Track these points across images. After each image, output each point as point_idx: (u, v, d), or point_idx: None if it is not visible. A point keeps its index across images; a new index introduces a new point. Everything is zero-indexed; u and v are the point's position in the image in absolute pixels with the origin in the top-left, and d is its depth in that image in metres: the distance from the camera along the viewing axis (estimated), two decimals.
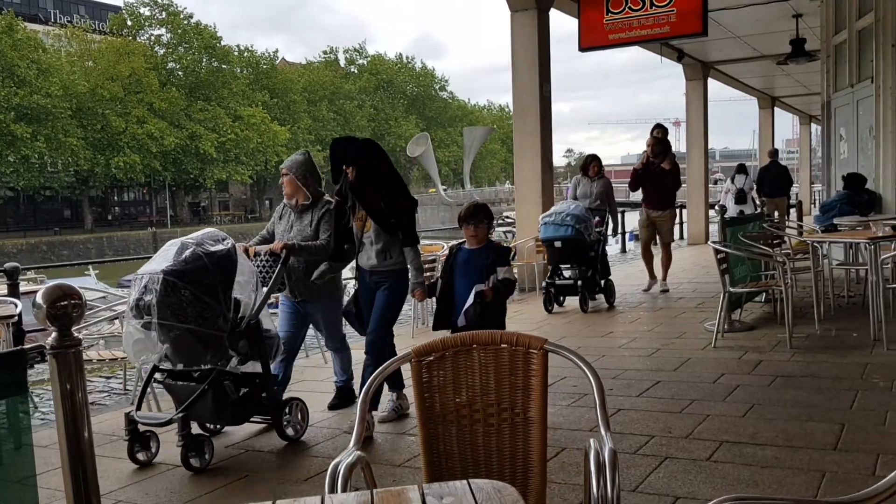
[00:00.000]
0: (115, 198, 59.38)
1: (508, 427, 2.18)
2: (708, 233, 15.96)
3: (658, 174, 8.68)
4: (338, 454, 1.77)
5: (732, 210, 13.45)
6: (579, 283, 7.89)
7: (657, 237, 9.13)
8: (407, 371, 2.19)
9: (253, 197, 65.91)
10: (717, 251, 5.94)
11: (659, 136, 8.91)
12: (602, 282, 8.32)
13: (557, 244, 7.73)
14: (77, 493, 1.78)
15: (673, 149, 9.10)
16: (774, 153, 14.81)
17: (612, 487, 1.65)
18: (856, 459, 3.41)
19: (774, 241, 7.10)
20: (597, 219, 8.14)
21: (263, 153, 55.17)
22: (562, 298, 8.32)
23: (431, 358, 2.22)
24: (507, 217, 32.67)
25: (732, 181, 14.19)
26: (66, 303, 1.80)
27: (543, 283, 8.35)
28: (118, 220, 57.11)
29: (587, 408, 4.50)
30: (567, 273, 8.10)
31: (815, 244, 6.73)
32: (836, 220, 8.11)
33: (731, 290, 6.12)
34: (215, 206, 64.30)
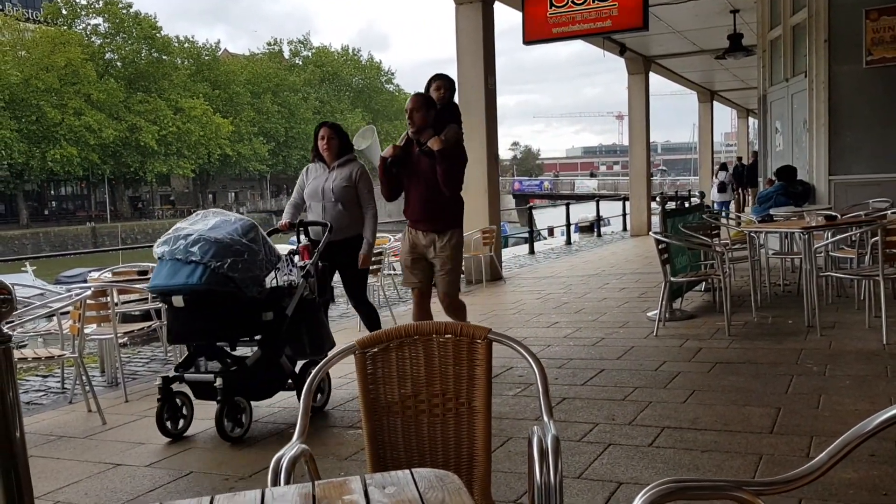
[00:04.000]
0: (52, 192, 57.59)
1: (453, 417, 2.19)
2: (650, 224, 16.28)
3: (426, 163, 4.77)
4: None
5: (717, 198, 18.77)
6: (219, 382, 4.01)
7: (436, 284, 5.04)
8: (351, 364, 2.17)
9: (195, 191, 64.64)
10: (658, 241, 6.06)
11: (421, 100, 4.85)
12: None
13: (177, 301, 4.02)
14: (9, 496, 1.72)
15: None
16: (755, 154, 17.58)
17: (555, 474, 1.67)
18: (791, 442, 3.52)
19: (713, 232, 7.28)
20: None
21: (206, 146, 54.16)
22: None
23: (375, 350, 2.21)
24: None
25: (716, 176, 19.18)
26: None
27: (158, 381, 4.21)
28: (55, 214, 55.43)
29: (533, 397, 4.55)
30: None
31: (751, 234, 6.92)
32: (772, 211, 8.36)
33: (672, 279, 6.25)
34: (157, 201, 62.89)
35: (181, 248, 4.05)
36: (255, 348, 4.37)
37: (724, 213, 14.78)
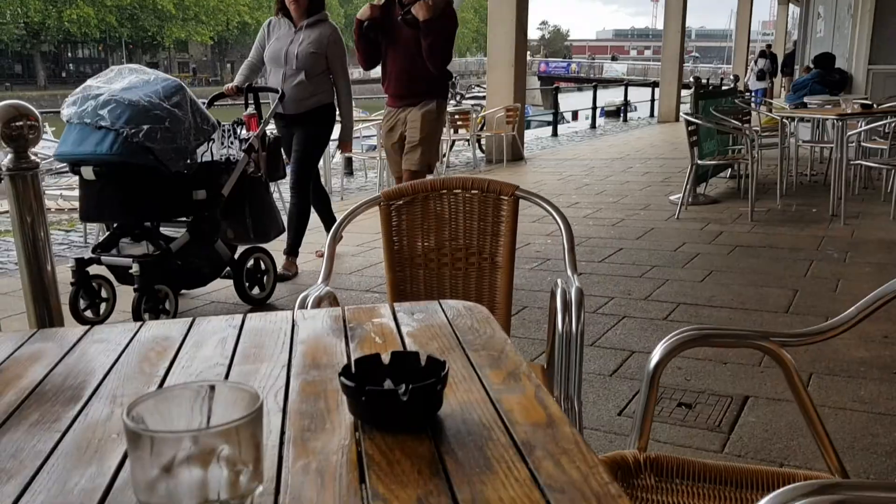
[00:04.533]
0: (69, 54, 56.78)
1: (475, 271, 2.19)
2: (678, 112, 15.87)
3: (408, 33, 4.21)
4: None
5: (754, 86, 18.78)
6: (136, 268, 3.51)
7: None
8: (375, 214, 2.16)
9: (214, 59, 63.48)
10: (688, 122, 5.90)
11: None
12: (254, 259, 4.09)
13: (87, 174, 3.50)
14: (39, 313, 1.76)
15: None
16: (769, 45, 19.91)
17: (577, 323, 1.67)
18: (806, 321, 3.53)
19: (744, 118, 7.08)
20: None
21: (224, 13, 52.73)
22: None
23: (400, 202, 2.18)
24: (478, 87, 32.03)
25: (755, 63, 19.09)
26: (21, 123, 1.70)
27: (71, 263, 3.71)
28: (73, 77, 54.76)
29: (549, 271, 4.57)
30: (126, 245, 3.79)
31: (784, 120, 6.72)
32: (806, 99, 8.10)
33: (699, 162, 6.13)
34: (174, 68, 61.89)
35: (89, 111, 3.40)
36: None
37: (757, 100, 14.62)
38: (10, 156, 1.75)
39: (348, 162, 9.33)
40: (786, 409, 2.62)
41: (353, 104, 4.82)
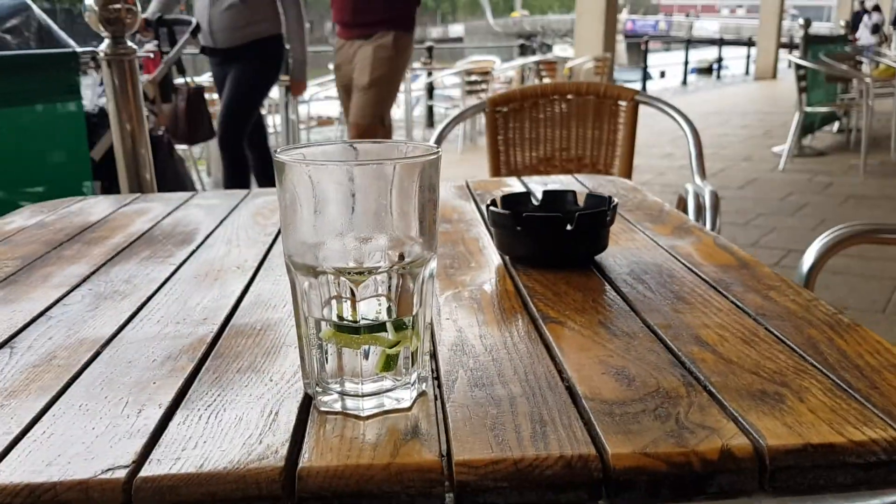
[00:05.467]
0: None
1: None
2: (776, 68, 15.09)
3: None
4: None
5: (867, 40, 17.85)
6: None
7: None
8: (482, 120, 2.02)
9: None
10: (798, 66, 5.51)
11: None
12: None
13: None
14: (131, 181, 1.70)
15: None
16: (862, 1, 18.42)
17: (715, 229, 1.51)
18: None
19: (856, 66, 6.59)
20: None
21: None
22: None
23: (507, 109, 2.04)
24: (560, 47, 31.26)
25: (869, 17, 18.32)
26: (119, 6, 1.63)
27: None
28: None
29: (660, 185, 4.34)
30: None
31: None
32: None
33: (808, 109, 5.74)
34: None
35: None
36: None
37: (870, 52, 13.99)
38: (107, 41, 1.68)
39: (430, 112, 9.20)
40: None
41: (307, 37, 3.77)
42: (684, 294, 0.63)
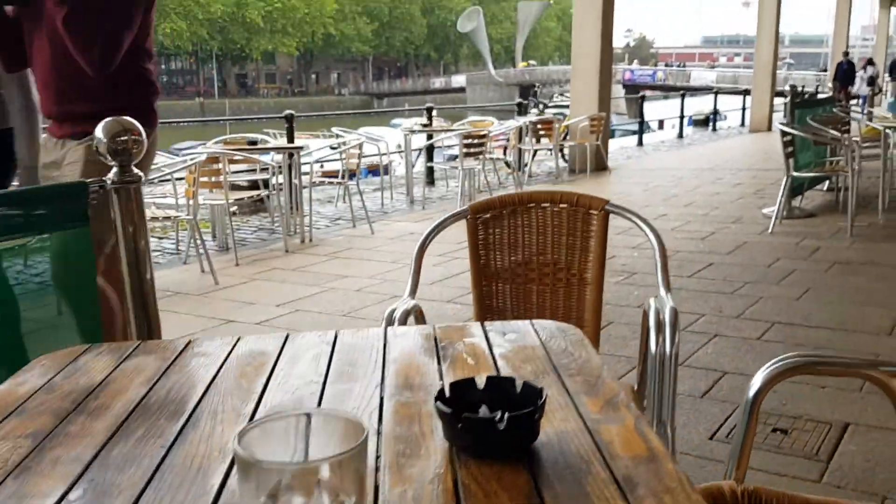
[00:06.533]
0: (163, 66, 59.34)
1: (563, 287, 2.15)
2: (771, 120, 15.34)
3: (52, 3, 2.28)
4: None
5: (865, 91, 19.80)
6: None
7: None
8: (459, 226, 2.15)
9: (299, 70, 65.25)
10: (783, 133, 5.68)
11: None
12: None
13: None
14: (140, 330, 1.82)
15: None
16: (846, 53, 19.83)
17: (672, 345, 1.62)
18: None
19: (843, 128, 6.77)
20: None
21: (310, 24, 54.19)
22: None
23: (488, 215, 2.17)
24: (561, 97, 31.80)
25: (864, 70, 20.20)
26: (126, 137, 1.77)
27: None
28: (166, 88, 57.37)
29: (636, 286, 4.46)
30: None
31: (886, 130, 6.39)
32: None
33: (795, 174, 5.89)
34: (262, 79, 63.91)
35: None
36: None
37: (862, 105, 14.63)
38: (115, 169, 1.82)
39: (430, 171, 9.40)
40: (890, 437, 2.47)
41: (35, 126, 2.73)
42: (594, 497, 0.73)
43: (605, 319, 3.77)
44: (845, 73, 19.33)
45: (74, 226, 1.75)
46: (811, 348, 3.34)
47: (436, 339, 1.17)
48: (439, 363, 1.11)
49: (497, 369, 1.08)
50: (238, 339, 1.26)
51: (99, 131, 1.75)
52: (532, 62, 57.90)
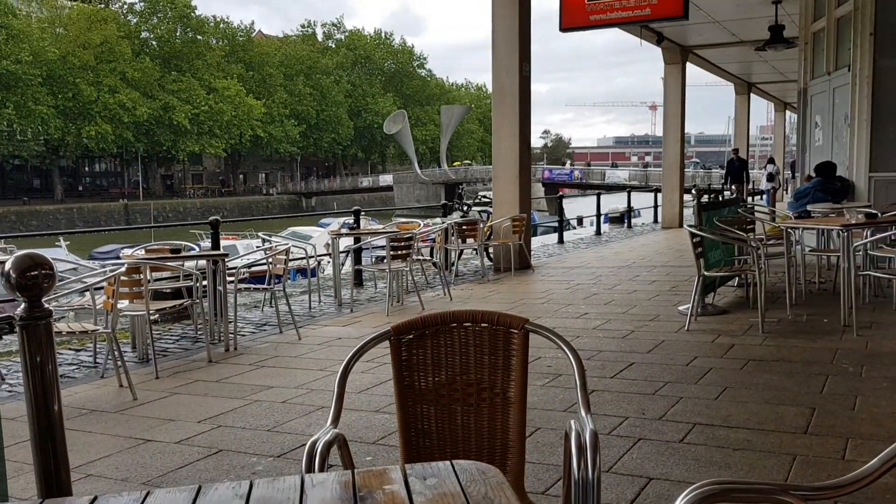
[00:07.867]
0: (87, 168, 58.49)
1: (487, 407, 2.17)
2: (682, 216, 16.08)
3: None
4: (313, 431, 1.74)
5: (766, 186, 21.63)
6: None
7: None
8: (386, 349, 2.16)
9: (227, 171, 65.24)
10: (692, 234, 5.97)
11: None
12: None
13: None
14: (45, 466, 1.74)
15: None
16: (736, 150, 21.17)
17: (593, 469, 1.64)
18: (826, 443, 3.45)
19: (748, 227, 7.16)
20: None
21: (238, 126, 54.58)
22: None
23: (411, 336, 2.19)
24: (484, 196, 32.67)
25: (765, 168, 21.82)
26: (36, 273, 1.74)
27: None
28: (89, 190, 56.36)
29: (562, 388, 4.51)
30: None
31: (788, 230, 6.79)
32: (809, 207, 8.20)
33: (706, 273, 6.16)
34: (188, 180, 63.55)
35: None
36: None
37: (766, 199, 15.68)
38: (23, 305, 1.78)
39: (357, 273, 9.42)
40: None
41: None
42: None
43: (532, 426, 3.79)
44: (736, 169, 20.53)
45: None
46: (731, 450, 3.42)
47: (354, 489, 1.16)
48: None
49: None
50: (147, 495, 1.22)
51: (9, 266, 1.71)
52: (467, 161, 59.94)
